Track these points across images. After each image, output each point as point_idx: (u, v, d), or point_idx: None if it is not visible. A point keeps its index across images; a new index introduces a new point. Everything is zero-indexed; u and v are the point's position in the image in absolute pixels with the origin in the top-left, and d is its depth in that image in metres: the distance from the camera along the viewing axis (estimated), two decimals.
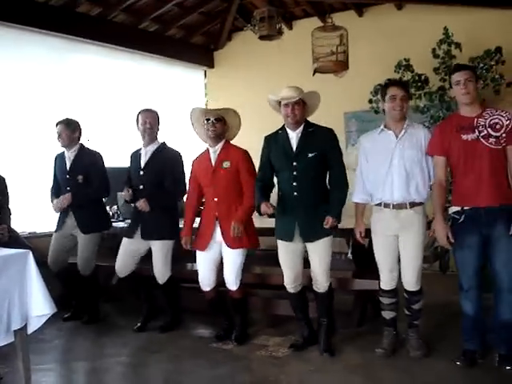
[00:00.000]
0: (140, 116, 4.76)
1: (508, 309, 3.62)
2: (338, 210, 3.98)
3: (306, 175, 4.02)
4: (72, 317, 5.22)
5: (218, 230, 4.36)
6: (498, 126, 3.59)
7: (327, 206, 3.99)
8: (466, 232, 3.65)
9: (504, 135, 3.58)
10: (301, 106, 4.02)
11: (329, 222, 3.92)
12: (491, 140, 3.58)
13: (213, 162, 4.37)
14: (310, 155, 4.00)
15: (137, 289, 4.98)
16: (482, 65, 5.85)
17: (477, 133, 3.61)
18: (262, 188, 4.16)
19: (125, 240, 4.83)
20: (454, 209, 3.74)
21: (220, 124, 4.35)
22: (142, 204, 4.65)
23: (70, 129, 5.07)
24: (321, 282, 4.09)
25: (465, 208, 3.67)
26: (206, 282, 4.48)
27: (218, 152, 4.38)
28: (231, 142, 4.51)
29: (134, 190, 4.75)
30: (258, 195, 4.13)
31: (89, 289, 5.21)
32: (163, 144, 4.84)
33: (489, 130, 3.60)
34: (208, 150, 4.46)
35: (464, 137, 3.64)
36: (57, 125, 5.08)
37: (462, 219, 3.67)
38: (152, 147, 4.78)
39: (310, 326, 4.32)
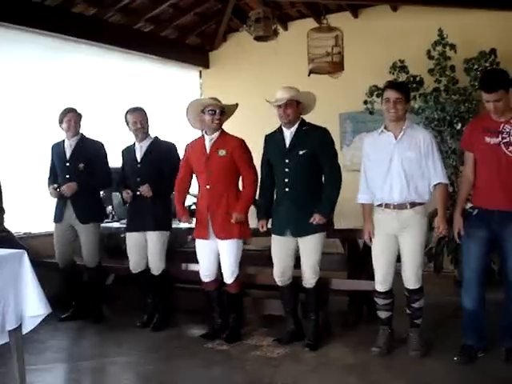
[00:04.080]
0: (129, 117, 4.82)
1: None
2: (327, 208, 4.10)
3: (297, 172, 4.13)
4: (71, 317, 5.19)
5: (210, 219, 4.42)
6: None
7: (319, 204, 4.08)
8: (476, 225, 3.72)
9: None
10: (293, 106, 4.13)
11: (316, 218, 4.05)
12: (511, 148, 3.60)
13: (207, 149, 4.40)
14: (300, 152, 4.11)
15: (146, 286, 4.96)
16: (476, 66, 5.87)
17: (500, 138, 3.63)
18: (266, 197, 4.35)
19: (128, 235, 4.90)
20: (470, 204, 3.82)
21: (222, 116, 4.42)
22: (144, 189, 4.71)
23: (79, 117, 5.18)
24: (307, 277, 4.19)
25: (478, 207, 3.73)
26: (205, 272, 4.53)
27: (214, 140, 4.41)
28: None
29: (132, 191, 4.78)
30: (261, 208, 4.37)
31: (93, 288, 5.22)
32: (156, 138, 4.93)
33: (511, 138, 3.62)
34: (203, 136, 4.48)
35: (487, 139, 3.66)
36: (67, 112, 5.10)
37: (475, 213, 3.75)
38: (146, 142, 4.87)
39: (298, 322, 4.38)
